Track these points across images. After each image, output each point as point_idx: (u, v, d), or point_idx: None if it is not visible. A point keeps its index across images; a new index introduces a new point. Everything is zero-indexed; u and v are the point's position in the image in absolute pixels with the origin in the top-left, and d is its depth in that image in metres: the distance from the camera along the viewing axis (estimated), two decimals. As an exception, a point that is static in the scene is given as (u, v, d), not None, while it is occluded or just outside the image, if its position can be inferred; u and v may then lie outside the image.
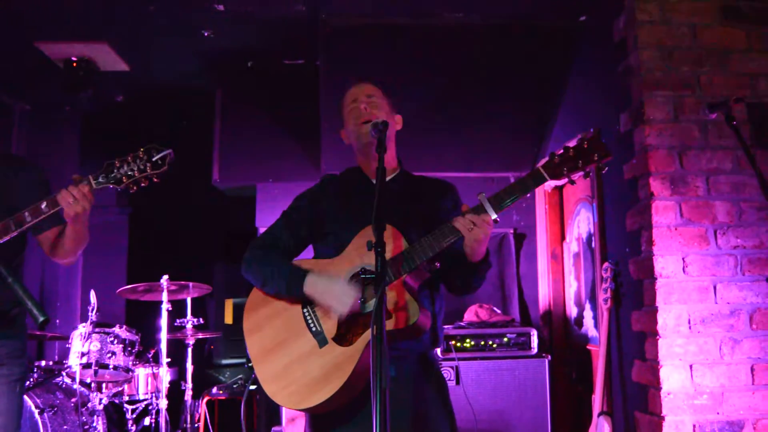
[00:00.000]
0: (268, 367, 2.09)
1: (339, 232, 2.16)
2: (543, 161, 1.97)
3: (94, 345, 4.21)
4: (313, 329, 2.08)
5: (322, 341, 2.05)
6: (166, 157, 2.14)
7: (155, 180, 2.15)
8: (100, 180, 2.17)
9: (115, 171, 2.15)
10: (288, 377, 2.05)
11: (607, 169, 2.01)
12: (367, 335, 1.97)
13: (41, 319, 2.10)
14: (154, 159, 2.13)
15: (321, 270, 2.12)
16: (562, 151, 1.96)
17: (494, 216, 1.93)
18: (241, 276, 2.26)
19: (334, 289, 2.04)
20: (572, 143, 1.96)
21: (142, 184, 2.16)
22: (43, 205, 2.22)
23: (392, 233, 2.01)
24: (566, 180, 1.97)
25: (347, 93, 2.26)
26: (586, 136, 1.98)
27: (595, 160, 1.94)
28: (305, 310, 2.11)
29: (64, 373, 4.24)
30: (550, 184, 4.44)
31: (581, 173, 1.96)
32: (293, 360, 2.06)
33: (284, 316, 2.13)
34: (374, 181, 2.22)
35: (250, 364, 2.15)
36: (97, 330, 4.25)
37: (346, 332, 2.03)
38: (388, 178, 2.26)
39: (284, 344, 2.10)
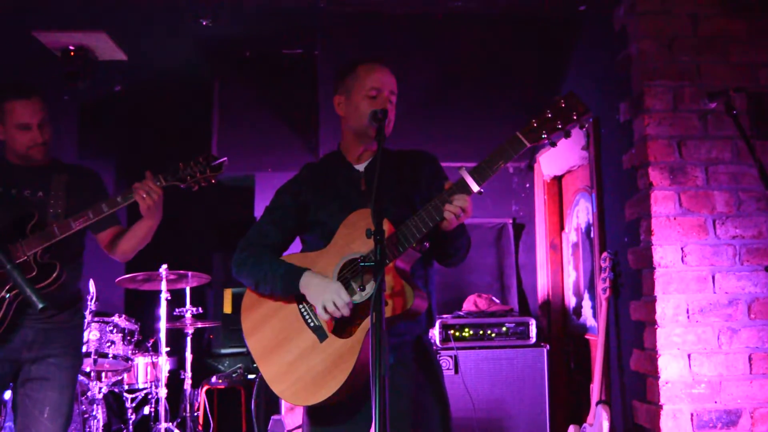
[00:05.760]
0: (273, 366, 2.10)
1: (326, 221, 2.16)
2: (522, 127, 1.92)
3: (94, 334, 4.21)
4: (312, 324, 2.08)
5: (321, 336, 2.05)
6: (222, 163, 2.49)
7: (212, 181, 2.51)
8: (168, 178, 2.50)
9: (180, 172, 2.49)
10: (293, 375, 2.06)
11: (587, 125, 1.93)
12: (366, 324, 1.97)
13: (40, 306, 2.13)
14: (213, 164, 2.48)
15: (312, 263, 2.11)
16: (539, 113, 1.89)
17: (477, 189, 1.92)
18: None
19: (325, 292, 2.01)
20: (549, 104, 1.89)
21: (202, 184, 2.50)
22: (119, 198, 2.55)
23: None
24: (547, 142, 1.91)
25: (373, 71, 2.18)
26: (562, 96, 1.89)
27: (575, 118, 1.86)
28: (301, 306, 2.11)
29: (63, 362, 4.25)
30: (549, 173, 4.44)
31: (561, 134, 1.89)
32: (296, 357, 2.06)
33: (281, 314, 2.13)
34: (356, 167, 2.23)
35: (255, 365, 2.17)
36: (96, 319, 4.25)
37: (344, 324, 2.03)
38: (369, 161, 2.24)
39: (285, 342, 2.10)
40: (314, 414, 2.15)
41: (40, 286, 2.42)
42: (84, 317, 2.84)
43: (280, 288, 2.11)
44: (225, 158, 2.49)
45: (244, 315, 2.20)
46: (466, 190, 1.92)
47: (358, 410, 2.06)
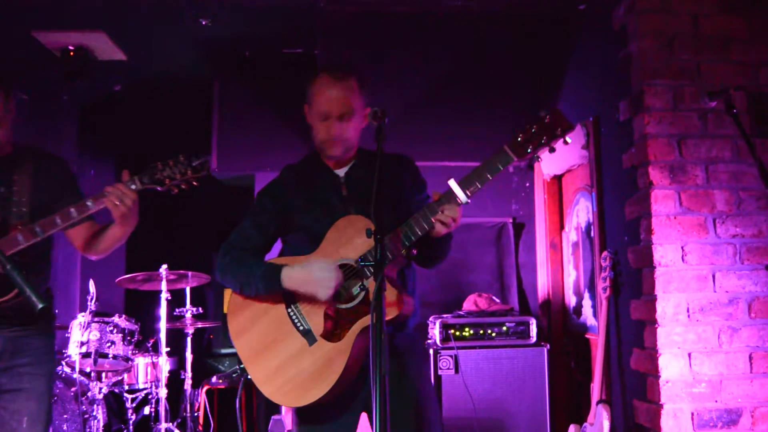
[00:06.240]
0: (261, 368, 2.13)
1: (310, 225, 2.18)
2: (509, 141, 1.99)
3: (94, 334, 4.21)
4: (301, 328, 2.10)
5: (311, 339, 2.08)
6: (205, 163, 2.26)
7: (195, 183, 2.27)
8: (145, 181, 2.27)
9: (158, 173, 2.26)
10: (282, 377, 2.09)
11: (570, 140, 1.98)
12: (356, 328, 2.01)
13: (40, 306, 2.11)
14: (194, 164, 2.25)
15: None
16: (524, 129, 1.96)
17: (465, 200, 1.96)
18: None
19: (312, 273, 2.04)
20: (534, 120, 1.96)
21: (183, 187, 2.28)
22: (89, 203, 2.29)
23: (366, 224, 2.02)
24: (532, 156, 1.98)
25: (325, 89, 2.17)
26: (548, 112, 1.96)
27: (559, 134, 1.93)
28: (290, 310, 2.13)
29: (63, 363, 4.25)
30: (549, 173, 4.43)
31: (547, 149, 1.95)
32: (285, 360, 2.09)
33: (269, 316, 2.15)
34: (335, 172, 2.26)
35: (242, 366, 2.18)
36: (96, 319, 4.25)
37: (334, 328, 2.06)
38: (349, 166, 2.27)
39: (273, 345, 2.12)
40: (303, 413, 2.18)
41: (4, 300, 2.27)
42: (55, 318, 2.66)
43: (262, 288, 2.12)
44: (207, 157, 2.29)
45: (230, 317, 2.21)
46: (455, 200, 1.97)
47: (346, 408, 2.11)
